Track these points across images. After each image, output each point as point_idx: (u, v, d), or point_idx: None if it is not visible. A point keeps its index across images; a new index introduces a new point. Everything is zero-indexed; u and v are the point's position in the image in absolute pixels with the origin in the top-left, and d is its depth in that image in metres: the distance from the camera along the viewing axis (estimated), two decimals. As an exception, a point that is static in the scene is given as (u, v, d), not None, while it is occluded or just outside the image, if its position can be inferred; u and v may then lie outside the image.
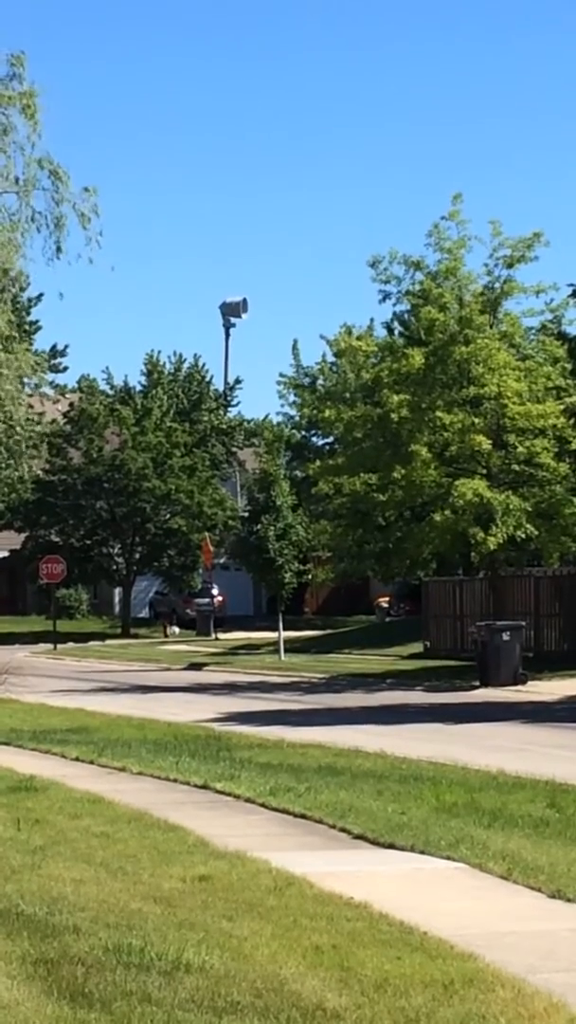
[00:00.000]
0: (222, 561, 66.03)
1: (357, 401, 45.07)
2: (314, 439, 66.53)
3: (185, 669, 46.67)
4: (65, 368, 73.40)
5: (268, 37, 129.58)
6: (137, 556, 66.60)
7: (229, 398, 77.17)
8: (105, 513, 65.09)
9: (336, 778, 16.82)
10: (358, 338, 48.28)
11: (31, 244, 31.39)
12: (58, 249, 31.01)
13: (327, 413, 43.22)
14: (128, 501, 64.04)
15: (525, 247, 39.35)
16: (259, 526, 47.45)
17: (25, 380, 45.28)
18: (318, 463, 44.71)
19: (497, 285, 39.95)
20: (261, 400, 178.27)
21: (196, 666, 47.49)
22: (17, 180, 31.33)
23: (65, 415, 66.54)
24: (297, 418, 67.53)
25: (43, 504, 64.97)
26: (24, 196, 31.18)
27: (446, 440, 38.10)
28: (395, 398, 37.84)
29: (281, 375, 67.89)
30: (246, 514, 52.49)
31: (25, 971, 8.53)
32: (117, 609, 71.00)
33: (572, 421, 38.40)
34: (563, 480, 38.23)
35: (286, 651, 49.08)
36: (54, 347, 72.86)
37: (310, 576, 54.56)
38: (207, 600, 64.21)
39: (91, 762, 18.68)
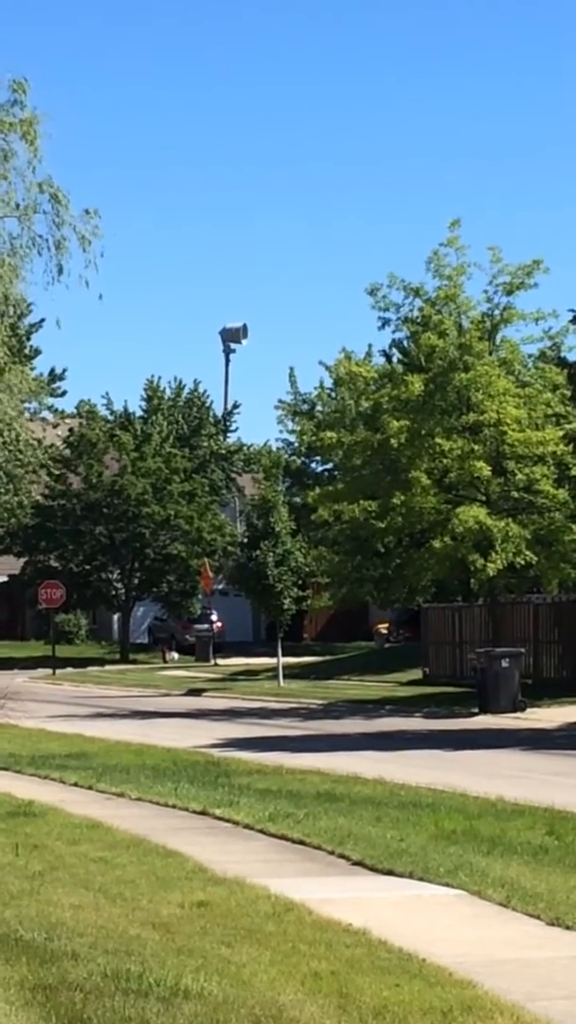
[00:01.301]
0: (221, 587, 65.94)
1: (357, 427, 45.04)
2: (313, 465, 66.51)
3: (184, 695, 46.60)
4: (64, 392, 73.24)
5: (269, 65, 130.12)
6: (136, 582, 66.54)
7: (228, 423, 77.18)
8: (104, 538, 65.01)
9: (335, 804, 16.79)
10: (357, 364, 48.28)
11: (31, 268, 31.35)
12: (59, 271, 30.97)
13: (328, 436, 43.22)
14: (127, 526, 64.00)
15: (525, 274, 39.34)
16: (258, 552, 47.43)
17: (26, 405, 45.24)
18: (318, 490, 44.69)
19: (497, 312, 39.94)
20: (261, 425, 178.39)
21: (195, 692, 47.45)
22: (18, 206, 31.31)
23: (65, 440, 66.52)
24: (296, 444, 67.52)
25: (42, 529, 64.92)
26: (25, 220, 31.16)
27: (446, 467, 38.10)
28: (395, 424, 37.83)
29: (280, 401, 67.95)
30: (245, 540, 52.48)
31: (24, 997, 8.51)
32: (116, 635, 70.91)
33: (572, 448, 38.40)
34: (562, 507, 38.20)
35: (285, 677, 49.03)
36: (52, 371, 72.76)
37: (309, 602, 54.54)
38: (206, 626, 64.16)
39: (90, 787, 18.66)
